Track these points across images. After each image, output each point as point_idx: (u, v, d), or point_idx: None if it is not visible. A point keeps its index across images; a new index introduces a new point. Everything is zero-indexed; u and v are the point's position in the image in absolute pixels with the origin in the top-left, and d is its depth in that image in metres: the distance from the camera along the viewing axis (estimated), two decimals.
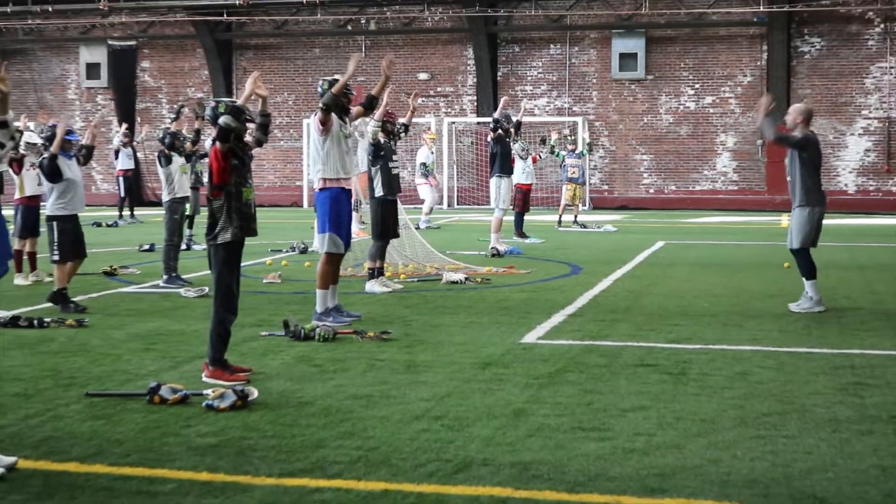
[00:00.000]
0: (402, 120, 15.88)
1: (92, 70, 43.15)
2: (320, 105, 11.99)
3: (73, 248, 13.58)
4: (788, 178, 12.94)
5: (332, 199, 12.23)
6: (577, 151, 28.01)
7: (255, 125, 9.63)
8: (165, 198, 15.59)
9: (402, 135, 15.52)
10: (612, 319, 12.28)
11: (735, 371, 9.29)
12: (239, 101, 9.00)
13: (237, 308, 9.27)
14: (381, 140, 14.77)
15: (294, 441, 7.04)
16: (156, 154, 16.50)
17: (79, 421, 7.62)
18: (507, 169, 21.18)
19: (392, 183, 14.86)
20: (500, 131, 20.80)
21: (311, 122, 12.36)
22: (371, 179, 14.86)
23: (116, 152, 31.84)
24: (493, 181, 21.13)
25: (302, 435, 7.19)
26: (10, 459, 6.48)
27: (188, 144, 16.05)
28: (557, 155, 27.60)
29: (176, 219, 15.50)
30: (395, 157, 15.02)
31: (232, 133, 8.80)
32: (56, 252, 13.37)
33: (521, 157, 23.97)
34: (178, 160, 15.68)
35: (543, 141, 28.06)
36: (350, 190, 12.58)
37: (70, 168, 13.50)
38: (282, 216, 33.42)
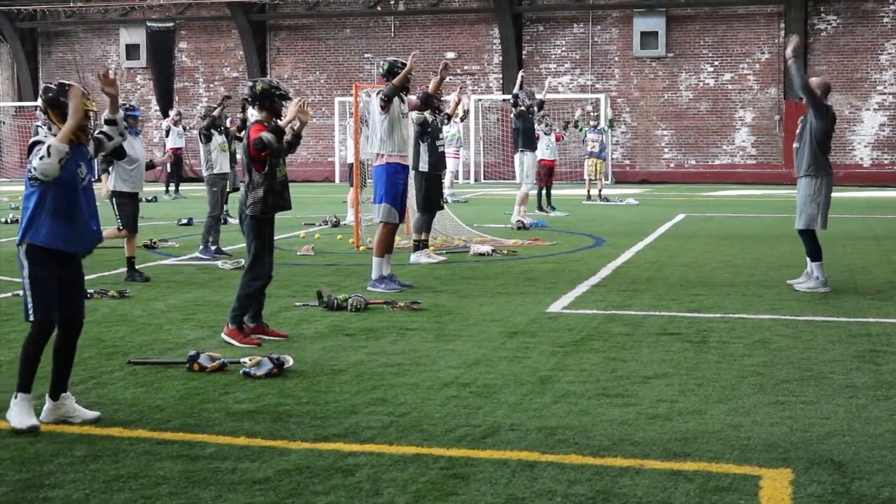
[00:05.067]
0: (445, 111, 16.13)
1: (131, 51, 43.63)
2: (381, 95, 12.43)
3: (134, 221, 13.76)
4: (796, 146, 12.43)
5: (391, 173, 12.62)
6: (598, 127, 28.22)
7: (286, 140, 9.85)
8: (205, 173, 16.04)
9: (446, 122, 15.70)
10: (635, 289, 12.43)
11: (754, 339, 9.41)
12: (281, 123, 9.44)
13: (268, 274, 9.57)
14: (429, 118, 14.99)
15: (328, 407, 7.18)
16: (196, 132, 16.88)
17: (122, 388, 7.79)
18: (530, 144, 21.28)
19: (438, 159, 15.12)
20: (521, 107, 20.97)
21: (373, 102, 12.69)
22: (417, 155, 15.09)
23: (167, 131, 32.10)
24: (517, 157, 21.32)
25: (335, 401, 7.34)
26: (93, 414, 6.93)
27: (233, 129, 16.36)
28: (581, 130, 27.88)
29: (216, 192, 15.94)
30: (441, 135, 15.28)
31: (268, 147, 9.27)
32: (120, 224, 13.57)
33: (544, 134, 24.04)
34: (217, 138, 16.04)
35: (574, 124, 28.26)
36: (407, 166, 12.90)
37: (132, 146, 13.33)
38: (314, 191, 33.62)
